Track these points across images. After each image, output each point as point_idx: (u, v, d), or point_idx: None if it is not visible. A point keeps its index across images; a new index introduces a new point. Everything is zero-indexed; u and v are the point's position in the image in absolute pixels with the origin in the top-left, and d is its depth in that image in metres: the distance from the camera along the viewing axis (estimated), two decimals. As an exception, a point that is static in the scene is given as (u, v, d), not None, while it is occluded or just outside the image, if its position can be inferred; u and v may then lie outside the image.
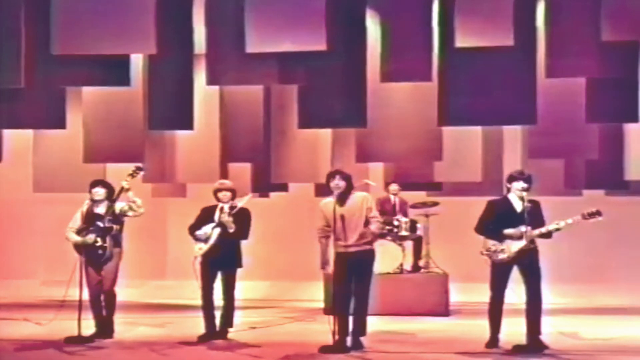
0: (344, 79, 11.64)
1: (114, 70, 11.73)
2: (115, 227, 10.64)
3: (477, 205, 13.13)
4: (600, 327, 11.86)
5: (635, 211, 14.07)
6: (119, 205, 10.67)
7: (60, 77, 11.77)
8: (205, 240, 10.71)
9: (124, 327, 11.59)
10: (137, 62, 12.10)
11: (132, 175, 10.71)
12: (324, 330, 10.63)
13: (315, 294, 13.31)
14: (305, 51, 11.23)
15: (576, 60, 11.16)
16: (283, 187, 13.62)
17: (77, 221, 10.78)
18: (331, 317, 10.22)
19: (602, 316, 12.82)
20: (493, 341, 10.09)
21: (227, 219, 10.63)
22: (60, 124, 12.19)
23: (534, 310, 9.90)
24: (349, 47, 11.57)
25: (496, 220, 9.93)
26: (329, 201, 10.02)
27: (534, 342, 9.93)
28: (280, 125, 13.00)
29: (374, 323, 11.90)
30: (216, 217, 10.74)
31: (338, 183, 9.93)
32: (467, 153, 12.76)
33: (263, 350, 10.46)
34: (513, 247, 9.86)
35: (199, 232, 10.77)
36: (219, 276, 10.82)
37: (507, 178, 10.09)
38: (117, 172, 13.13)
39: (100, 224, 10.62)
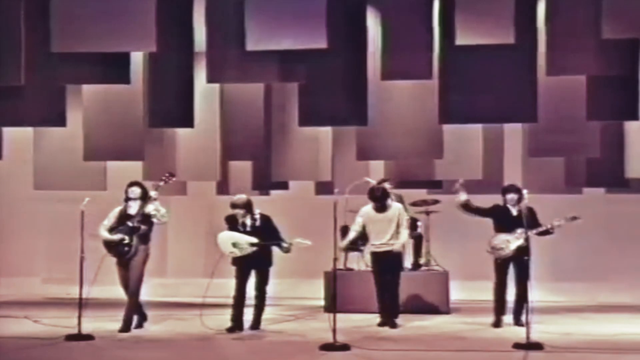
0: (344, 77, 11.64)
1: (114, 68, 11.73)
2: (143, 227, 11.06)
3: (478, 203, 13.18)
4: (601, 324, 11.86)
5: (636, 209, 14.06)
6: (149, 207, 11.09)
7: (61, 75, 11.77)
8: (241, 251, 11.20)
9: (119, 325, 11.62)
10: (138, 60, 12.10)
11: (164, 180, 11.29)
12: (324, 328, 10.66)
13: (316, 292, 13.32)
14: (305, 49, 11.22)
15: (577, 58, 11.15)
16: (284, 185, 13.62)
17: (111, 219, 11.20)
18: (331, 315, 10.25)
19: (602, 314, 12.82)
20: (497, 322, 11.59)
21: (248, 251, 11.18)
22: (61, 121, 12.18)
23: (519, 302, 11.41)
24: (349, 45, 11.57)
25: (496, 222, 11.61)
26: (369, 207, 11.72)
27: (517, 322, 11.40)
28: (280, 123, 13.00)
29: (375, 321, 11.95)
30: (240, 229, 11.23)
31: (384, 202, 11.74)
32: (467, 151, 12.76)
33: (264, 347, 10.48)
34: (512, 245, 11.34)
35: (239, 240, 11.19)
36: (253, 274, 11.34)
37: (501, 191, 11.69)
38: (118, 171, 13.19)
39: (130, 223, 11.07)
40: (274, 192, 13.73)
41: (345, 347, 10.09)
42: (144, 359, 10.12)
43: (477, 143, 12.82)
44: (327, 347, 10.09)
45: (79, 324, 10.69)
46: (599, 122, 11.98)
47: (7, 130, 13.04)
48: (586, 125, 11.90)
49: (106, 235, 11.13)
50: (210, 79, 11.88)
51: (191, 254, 12.67)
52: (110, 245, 11.12)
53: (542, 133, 12.03)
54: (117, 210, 11.23)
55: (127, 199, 11.20)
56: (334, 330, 10.14)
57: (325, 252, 11.40)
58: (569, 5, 11.16)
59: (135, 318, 11.34)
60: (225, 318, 11.50)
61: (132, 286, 11.15)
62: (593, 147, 12.16)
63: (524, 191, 10.81)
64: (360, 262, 13.26)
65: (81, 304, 10.79)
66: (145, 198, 11.14)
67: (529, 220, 11.08)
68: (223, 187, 13.67)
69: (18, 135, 13.21)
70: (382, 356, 9.98)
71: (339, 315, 10.37)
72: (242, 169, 13.43)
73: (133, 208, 11.17)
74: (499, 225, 11.51)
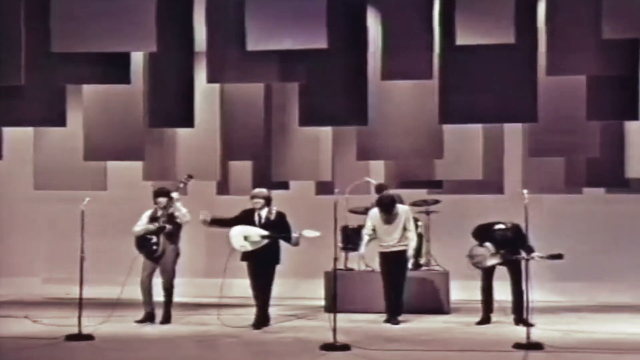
0: (344, 77, 11.64)
1: (115, 68, 11.73)
2: (167, 226, 11.75)
3: (478, 203, 13.20)
4: (601, 324, 11.87)
5: (636, 209, 14.06)
6: (172, 208, 11.78)
7: (61, 75, 11.76)
8: (252, 244, 11.54)
9: (124, 324, 11.63)
10: (138, 60, 12.09)
11: (184, 182, 12.03)
12: (324, 327, 10.66)
13: (317, 291, 13.32)
14: (306, 49, 11.21)
15: (577, 58, 11.15)
16: (284, 185, 13.61)
17: (143, 220, 11.90)
18: (331, 315, 10.26)
19: (602, 314, 12.83)
20: (483, 320, 11.91)
21: (259, 245, 11.56)
22: (61, 121, 12.18)
23: (516, 301, 11.62)
24: (349, 45, 11.56)
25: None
26: (377, 211, 12.10)
27: (517, 322, 11.52)
28: (280, 123, 13.00)
29: (375, 320, 11.96)
30: (256, 221, 11.64)
31: (391, 208, 12.08)
32: (467, 151, 12.75)
33: (264, 347, 10.48)
34: (489, 262, 11.77)
35: (250, 233, 11.58)
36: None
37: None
38: (118, 171, 13.19)
39: (157, 223, 11.78)
40: (274, 192, 13.66)
41: (345, 347, 10.09)
42: (144, 359, 10.12)
43: (477, 143, 12.81)
44: (327, 347, 10.09)
45: (79, 323, 10.69)
46: (599, 122, 11.98)
47: (7, 130, 13.03)
48: (586, 125, 11.90)
49: (137, 229, 11.83)
50: (211, 79, 11.87)
51: (191, 253, 12.65)
52: (140, 245, 11.83)
53: (542, 133, 12.03)
54: (148, 213, 11.92)
55: (156, 203, 11.92)
56: (334, 330, 10.14)
57: (325, 252, 11.41)
58: (569, 6, 11.16)
59: (160, 314, 11.94)
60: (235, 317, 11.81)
61: (165, 284, 11.86)
62: (593, 147, 12.16)
63: (524, 191, 10.76)
64: (361, 262, 13.27)
65: (81, 304, 10.80)
66: (170, 199, 11.82)
67: (515, 240, 11.45)
68: (223, 187, 13.68)
69: (18, 135, 13.20)
70: (382, 356, 9.98)
71: (339, 315, 10.37)
72: (242, 168, 13.43)
73: (162, 210, 11.87)
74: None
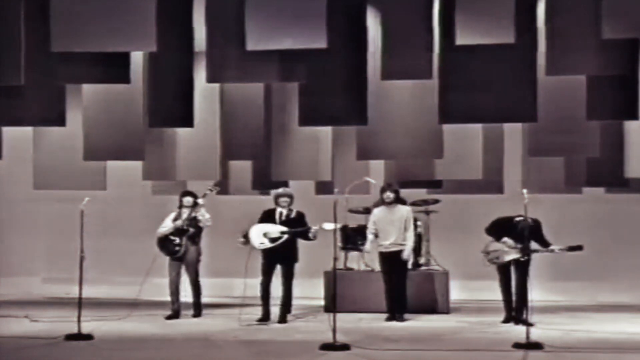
0: (344, 77, 11.63)
1: (114, 68, 11.71)
2: (190, 229, 12.39)
3: (478, 202, 13.19)
4: (600, 324, 11.88)
5: (636, 209, 14.07)
6: (197, 213, 12.44)
7: (61, 75, 11.74)
8: (272, 240, 12.07)
9: (120, 324, 11.63)
10: (138, 59, 12.09)
11: (211, 190, 12.59)
12: (324, 327, 10.66)
13: (316, 291, 13.33)
14: (306, 49, 11.20)
15: (577, 58, 11.14)
16: (284, 185, 13.59)
17: (167, 223, 12.51)
18: (331, 315, 10.26)
19: (602, 314, 12.84)
20: (507, 319, 11.89)
21: (278, 242, 12.07)
22: (61, 121, 12.16)
23: (518, 301, 11.64)
24: (349, 45, 11.55)
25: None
26: (379, 209, 12.36)
27: (517, 321, 11.54)
28: (280, 123, 12.99)
29: (374, 320, 11.96)
30: (276, 219, 12.20)
31: (389, 195, 12.26)
32: (467, 151, 12.75)
33: (264, 347, 10.48)
34: (507, 257, 11.73)
35: (269, 230, 12.13)
36: (279, 269, 12.17)
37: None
38: (118, 171, 13.19)
39: (179, 224, 12.42)
40: (274, 192, 13.69)
41: (345, 347, 10.10)
42: (145, 359, 10.12)
43: (477, 143, 12.81)
44: (327, 347, 10.10)
45: (79, 322, 10.69)
46: (599, 122, 11.98)
47: (7, 130, 13.01)
48: (586, 125, 11.90)
49: (162, 230, 12.44)
50: (210, 79, 11.86)
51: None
52: (162, 245, 12.44)
53: (542, 133, 12.03)
54: (171, 216, 12.55)
55: (181, 206, 12.54)
56: (334, 330, 10.15)
57: (325, 252, 11.40)
58: (569, 5, 11.15)
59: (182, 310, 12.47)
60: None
61: (193, 280, 12.53)
62: (593, 147, 12.16)
63: (524, 191, 10.76)
64: (360, 262, 13.28)
65: (81, 304, 10.80)
66: (195, 204, 12.46)
67: (533, 233, 11.40)
68: (223, 187, 13.68)
69: (18, 135, 13.19)
70: (382, 356, 9.99)
71: (338, 315, 10.38)
72: (242, 168, 13.44)
73: (185, 213, 12.49)
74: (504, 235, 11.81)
